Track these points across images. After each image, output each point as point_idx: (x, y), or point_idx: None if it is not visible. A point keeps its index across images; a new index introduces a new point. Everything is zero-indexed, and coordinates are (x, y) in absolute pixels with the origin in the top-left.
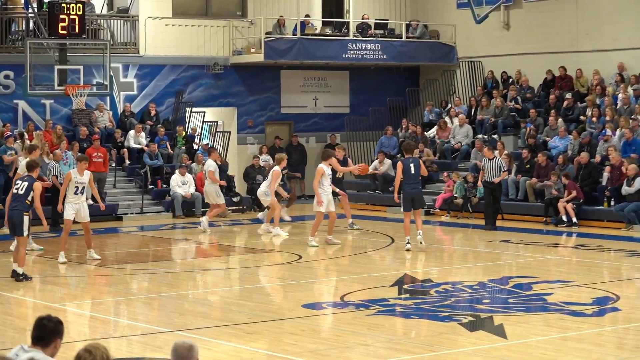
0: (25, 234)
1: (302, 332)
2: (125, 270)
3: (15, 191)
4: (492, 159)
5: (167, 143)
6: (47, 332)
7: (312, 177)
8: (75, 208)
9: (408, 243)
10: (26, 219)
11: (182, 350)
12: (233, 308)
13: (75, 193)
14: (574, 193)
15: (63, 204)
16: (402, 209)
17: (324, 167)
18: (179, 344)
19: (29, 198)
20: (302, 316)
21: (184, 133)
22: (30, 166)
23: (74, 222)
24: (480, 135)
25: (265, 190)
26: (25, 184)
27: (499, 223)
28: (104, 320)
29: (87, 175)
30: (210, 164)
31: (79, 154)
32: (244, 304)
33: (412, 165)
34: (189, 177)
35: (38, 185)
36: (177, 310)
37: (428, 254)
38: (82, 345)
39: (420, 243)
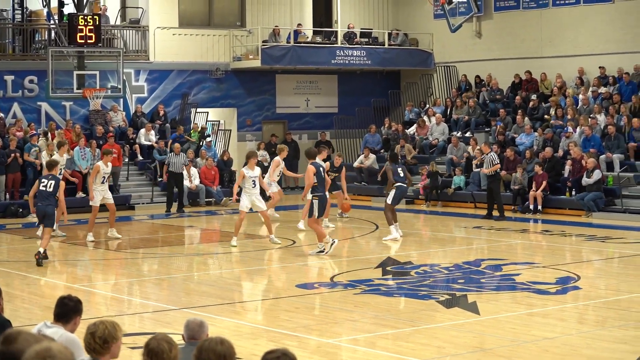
0: (55, 226)
1: (296, 310)
2: (137, 254)
3: (43, 188)
4: (488, 153)
5: (186, 136)
6: (68, 310)
7: (304, 170)
8: (101, 194)
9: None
10: (57, 213)
11: (193, 326)
12: (234, 288)
13: (103, 182)
14: (544, 184)
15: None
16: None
17: (244, 170)
18: (190, 321)
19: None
20: (296, 295)
21: (199, 129)
22: (50, 165)
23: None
24: (455, 133)
25: (268, 181)
26: (52, 182)
27: (472, 211)
28: (118, 299)
29: (110, 166)
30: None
31: (106, 148)
32: (244, 285)
33: (321, 169)
34: (194, 170)
35: (62, 183)
36: (184, 290)
37: (409, 239)
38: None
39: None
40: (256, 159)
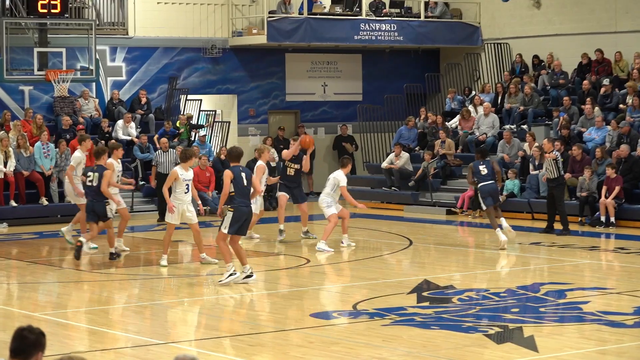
0: (110, 217)
1: (309, 344)
2: (113, 275)
3: (89, 184)
4: (549, 152)
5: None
6: (28, 344)
7: (321, 172)
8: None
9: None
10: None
11: None
12: (234, 317)
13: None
14: (618, 189)
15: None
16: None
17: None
18: (180, 358)
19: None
20: (310, 326)
21: (185, 122)
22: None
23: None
24: (507, 126)
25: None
26: (97, 174)
27: (528, 223)
28: (90, 331)
29: (120, 164)
30: (342, 177)
31: (114, 142)
32: (246, 313)
33: (243, 175)
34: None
35: (108, 173)
36: (171, 320)
37: (450, 258)
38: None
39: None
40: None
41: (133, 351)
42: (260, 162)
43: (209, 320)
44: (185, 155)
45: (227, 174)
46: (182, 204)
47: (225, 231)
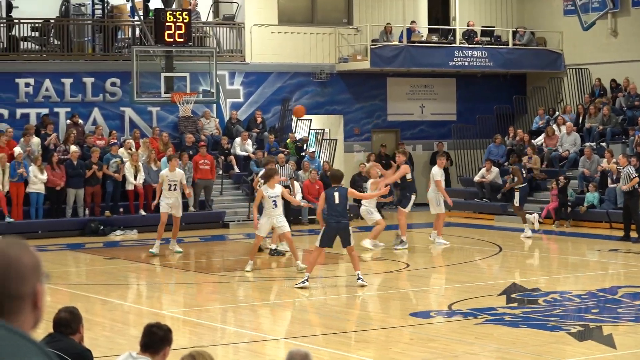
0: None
1: (410, 341)
2: (232, 277)
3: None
4: (625, 166)
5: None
6: (157, 339)
7: (419, 185)
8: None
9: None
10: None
11: (297, 358)
12: (340, 316)
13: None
14: None
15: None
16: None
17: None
18: (294, 352)
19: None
20: (410, 325)
21: (295, 140)
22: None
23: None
24: (588, 144)
25: (368, 209)
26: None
27: (607, 232)
28: (211, 327)
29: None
30: (436, 172)
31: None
32: (352, 312)
33: (336, 194)
34: (296, 185)
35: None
36: (284, 317)
37: (536, 263)
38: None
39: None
40: (278, 178)
41: (250, 346)
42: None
43: (318, 318)
44: (266, 175)
45: (322, 196)
46: (272, 218)
47: (316, 244)
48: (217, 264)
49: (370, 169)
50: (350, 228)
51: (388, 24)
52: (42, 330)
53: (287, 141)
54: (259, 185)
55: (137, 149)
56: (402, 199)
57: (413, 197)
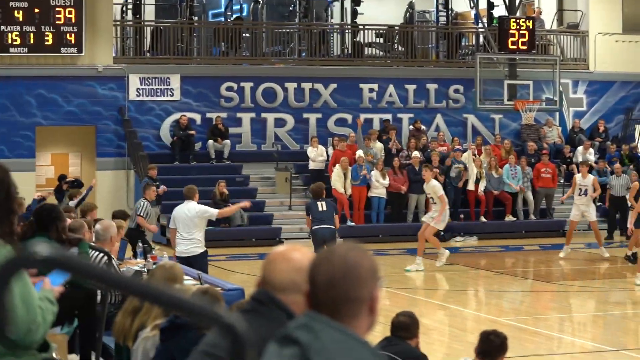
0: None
1: None
2: (571, 287)
3: None
4: None
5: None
6: (494, 347)
7: None
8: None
9: None
10: None
11: None
12: None
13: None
14: None
15: None
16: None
17: None
18: None
19: None
20: None
21: (627, 152)
22: None
23: None
24: None
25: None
26: None
27: None
28: (547, 337)
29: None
30: None
31: None
32: None
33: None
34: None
35: None
36: (621, 329)
37: None
38: None
39: None
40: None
41: (586, 356)
42: None
43: None
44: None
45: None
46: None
47: None
48: (556, 273)
49: None
50: None
51: None
52: (379, 333)
53: (622, 153)
54: None
55: (479, 155)
56: None
57: None
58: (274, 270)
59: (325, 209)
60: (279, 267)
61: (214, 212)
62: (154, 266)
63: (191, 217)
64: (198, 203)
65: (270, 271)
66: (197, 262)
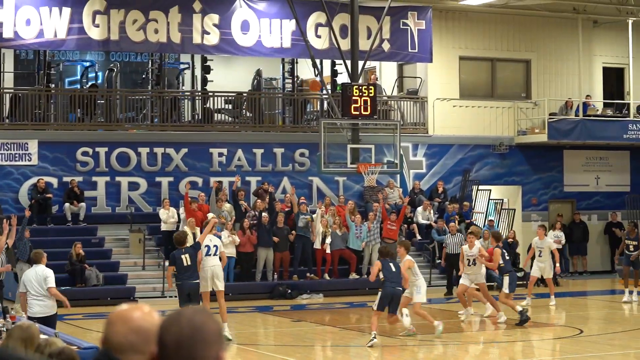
0: None
1: None
2: (410, 341)
3: None
4: None
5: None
6: None
7: (593, 254)
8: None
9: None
10: None
11: None
12: None
13: None
14: None
15: None
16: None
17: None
18: None
19: None
20: None
21: (458, 210)
22: None
23: None
24: None
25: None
26: None
27: None
28: None
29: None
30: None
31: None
32: None
33: (391, 264)
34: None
35: None
36: None
37: None
38: None
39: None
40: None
41: None
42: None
43: None
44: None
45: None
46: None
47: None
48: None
49: None
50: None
51: (569, 99)
52: None
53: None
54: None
55: (326, 214)
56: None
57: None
58: (112, 332)
59: (189, 263)
60: (116, 329)
61: (51, 282)
62: (13, 326)
63: (40, 280)
64: (46, 266)
65: (109, 332)
66: (51, 322)
